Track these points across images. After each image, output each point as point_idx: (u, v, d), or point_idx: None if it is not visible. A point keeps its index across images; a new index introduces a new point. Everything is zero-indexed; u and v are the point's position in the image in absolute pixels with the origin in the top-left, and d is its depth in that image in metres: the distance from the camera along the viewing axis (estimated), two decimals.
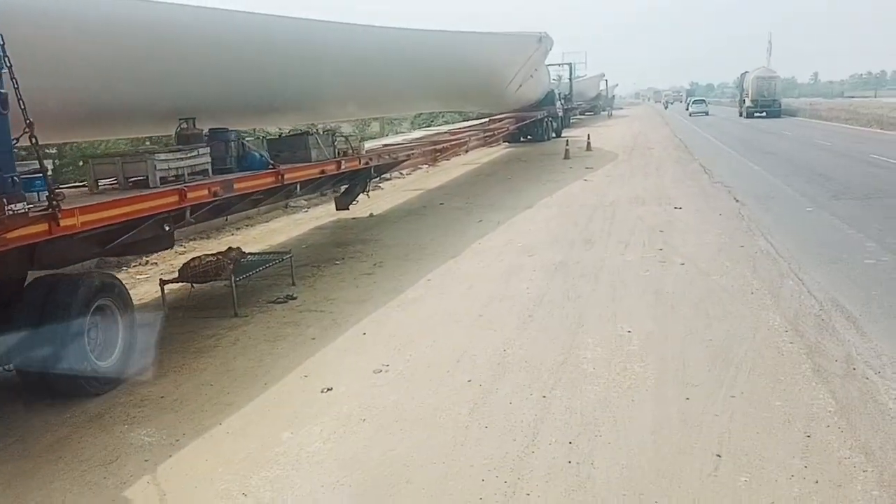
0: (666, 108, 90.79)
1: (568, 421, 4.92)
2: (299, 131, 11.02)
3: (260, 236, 13.07)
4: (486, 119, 31.09)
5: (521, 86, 26.83)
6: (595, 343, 6.43)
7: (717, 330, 6.63)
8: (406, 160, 14.94)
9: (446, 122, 40.26)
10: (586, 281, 8.58)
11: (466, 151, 21.19)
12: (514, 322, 7.16)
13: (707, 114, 64.10)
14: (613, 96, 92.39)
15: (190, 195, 7.03)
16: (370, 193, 14.59)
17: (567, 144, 25.01)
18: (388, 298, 8.31)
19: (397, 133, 36.43)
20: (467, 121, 34.26)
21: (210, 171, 7.88)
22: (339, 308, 8.04)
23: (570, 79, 45.90)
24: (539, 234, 11.59)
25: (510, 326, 7.03)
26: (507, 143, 32.24)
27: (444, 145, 18.68)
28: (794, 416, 4.87)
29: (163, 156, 7.08)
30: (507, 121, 29.73)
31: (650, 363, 5.90)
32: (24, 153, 13.19)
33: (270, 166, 8.85)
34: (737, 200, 13.94)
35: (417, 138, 21.38)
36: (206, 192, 7.34)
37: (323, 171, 10.16)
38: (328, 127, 12.67)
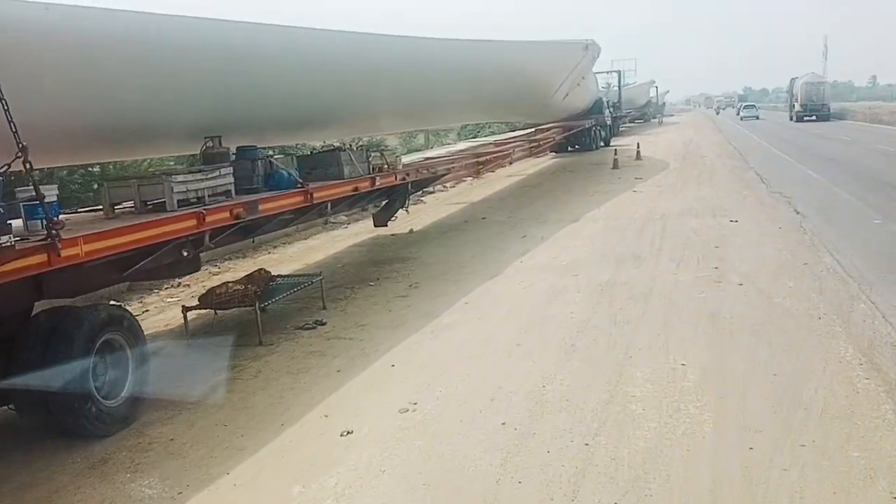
0: (717, 113, 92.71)
1: (613, 476, 4.32)
2: (332, 147, 10.59)
3: (297, 254, 12.70)
4: (533, 129, 30.54)
5: (567, 95, 26.18)
6: (644, 378, 5.80)
7: (781, 363, 5.94)
8: (446, 174, 14.43)
9: (493, 133, 39.80)
10: (635, 304, 7.93)
11: (510, 163, 20.61)
12: (555, 352, 6.57)
13: (757, 118, 66.42)
14: (664, 103, 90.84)
15: (209, 218, 6.62)
16: (410, 208, 14.14)
17: (615, 154, 24.24)
18: (421, 324, 7.80)
19: (443, 145, 36.11)
20: (514, 131, 33.73)
21: (234, 191, 7.48)
22: (370, 335, 7.55)
23: (619, 86, 44.90)
24: (585, 251, 10.95)
25: (550, 357, 6.44)
26: (554, 154, 31.58)
27: (487, 157, 18.15)
28: (876, 471, 4.20)
29: (180, 177, 6.68)
30: (553, 130, 29.10)
31: (707, 403, 5.26)
32: (74, 177, 12.87)
33: (299, 185, 8.43)
34: (797, 212, 13.07)
35: (461, 150, 20.95)
36: (227, 214, 6.93)
37: (356, 189, 9.71)
38: (363, 141, 12.23)
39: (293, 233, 14.28)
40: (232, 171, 7.50)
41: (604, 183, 19.78)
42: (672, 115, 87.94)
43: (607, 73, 45.28)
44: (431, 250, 12.01)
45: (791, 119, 55.36)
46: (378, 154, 10.90)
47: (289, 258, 12.35)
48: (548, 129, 29.24)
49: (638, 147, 27.13)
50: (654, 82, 70.69)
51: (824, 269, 8.91)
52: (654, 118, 67.87)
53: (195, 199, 6.88)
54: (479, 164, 17.75)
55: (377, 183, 10.33)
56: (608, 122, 35.37)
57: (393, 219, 13.31)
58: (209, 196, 7.02)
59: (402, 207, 13.40)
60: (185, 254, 6.60)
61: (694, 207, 14.32)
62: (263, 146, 9.43)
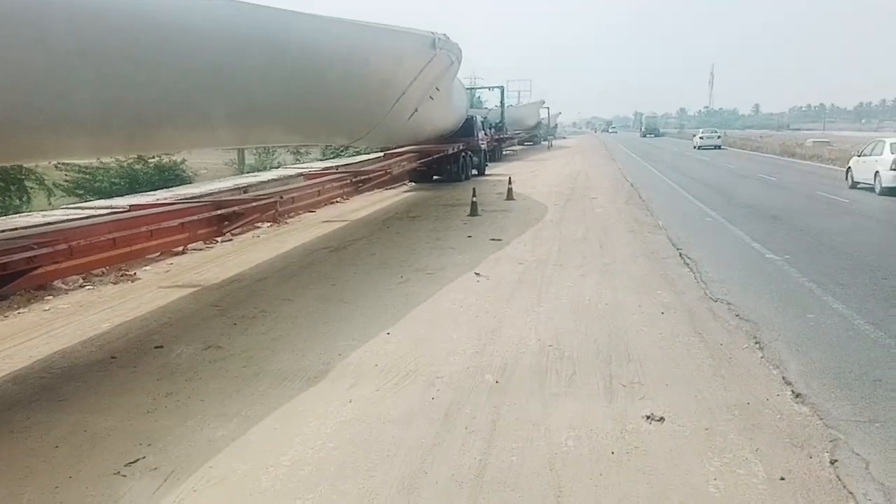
0: (595, 132, 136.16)
1: None
2: None
3: None
4: (382, 153, 22.83)
5: (416, 110, 18.29)
6: None
7: None
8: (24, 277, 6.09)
9: (359, 153, 31.77)
10: None
11: (273, 222, 12.50)
12: None
13: (616, 133, 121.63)
14: (556, 125, 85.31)
15: None
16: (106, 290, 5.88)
17: (474, 195, 16.46)
18: None
19: (268, 168, 27.45)
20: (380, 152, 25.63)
21: None
22: None
23: (502, 104, 37.75)
24: None
25: None
26: (413, 183, 24.08)
27: (236, 209, 10.00)
28: None
29: None
30: (407, 156, 21.38)
31: None
32: None
33: None
34: (793, 389, 5.49)
35: (233, 187, 12.78)
36: None
37: None
38: None
39: None
40: None
41: (441, 249, 11.98)
42: (564, 138, 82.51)
43: (489, 89, 38.36)
44: None
45: (641, 136, 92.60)
46: None
47: None
48: (400, 154, 21.51)
49: (510, 183, 19.59)
50: (544, 102, 64.47)
51: None
52: (544, 141, 61.50)
53: None
54: (223, 219, 9.63)
55: None
56: (483, 147, 27.88)
57: None
58: None
59: None
60: None
61: (567, 347, 6.65)
62: None
